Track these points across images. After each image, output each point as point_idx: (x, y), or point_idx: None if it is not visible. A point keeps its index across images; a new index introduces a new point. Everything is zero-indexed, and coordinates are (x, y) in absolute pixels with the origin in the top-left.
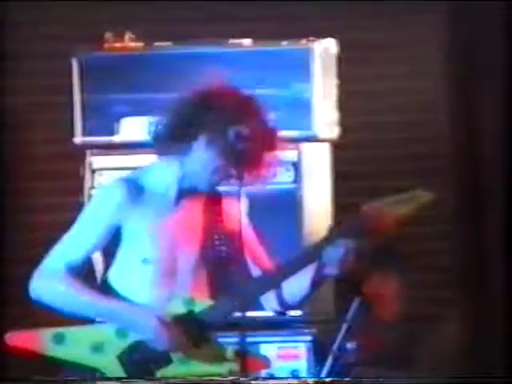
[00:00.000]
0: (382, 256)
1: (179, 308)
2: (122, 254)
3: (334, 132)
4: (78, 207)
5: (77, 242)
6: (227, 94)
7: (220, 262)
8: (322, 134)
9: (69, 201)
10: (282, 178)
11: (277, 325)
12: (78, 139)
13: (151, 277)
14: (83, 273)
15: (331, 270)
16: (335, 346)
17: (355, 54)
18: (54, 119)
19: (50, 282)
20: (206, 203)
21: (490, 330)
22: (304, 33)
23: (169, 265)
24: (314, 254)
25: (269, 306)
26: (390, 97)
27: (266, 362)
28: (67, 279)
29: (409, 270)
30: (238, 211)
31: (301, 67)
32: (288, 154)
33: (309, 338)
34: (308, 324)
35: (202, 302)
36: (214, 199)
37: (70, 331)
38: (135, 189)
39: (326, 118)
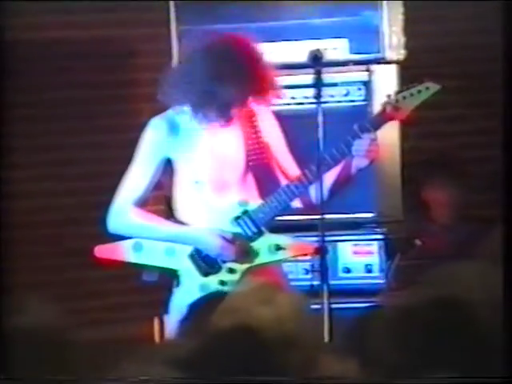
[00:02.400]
0: (441, 164)
1: (235, 210)
2: (178, 180)
3: (400, 54)
4: None
5: (136, 179)
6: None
7: (263, 170)
8: (389, 56)
9: None
10: (354, 96)
11: (352, 225)
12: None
13: (206, 193)
14: (148, 203)
15: (360, 162)
16: (403, 244)
17: None
18: (155, 49)
19: (121, 218)
20: (243, 121)
21: None
22: None
23: (218, 180)
24: (344, 149)
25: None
26: (451, 22)
27: (308, 247)
28: (135, 212)
29: (464, 176)
30: (270, 125)
31: None
32: (359, 75)
33: (380, 236)
34: (379, 224)
35: (254, 203)
36: (248, 117)
37: (146, 240)
38: (173, 123)
39: (392, 42)
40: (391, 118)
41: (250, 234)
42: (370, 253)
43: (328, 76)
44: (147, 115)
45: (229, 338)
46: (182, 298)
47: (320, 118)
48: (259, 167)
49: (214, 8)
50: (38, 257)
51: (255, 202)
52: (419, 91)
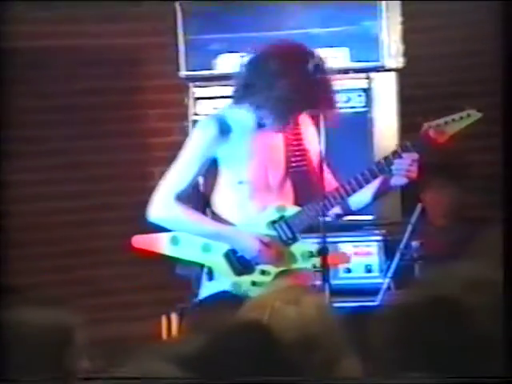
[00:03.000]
0: (439, 168)
1: (273, 215)
2: (221, 180)
3: (399, 62)
4: (183, 130)
5: (180, 173)
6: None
7: (301, 176)
8: (388, 64)
9: (175, 125)
10: (355, 103)
11: (352, 227)
12: (183, 73)
13: (247, 195)
14: (190, 198)
15: (399, 180)
16: (402, 245)
17: None
18: (163, 57)
19: (163, 209)
20: (288, 129)
21: None
22: None
23: (261, 182)
24: (384, 166)
25: (333, 213)
26: (449, 30)
27: (345, 256)
28: (176, 206)
29: (462, 179)
30: (313, 136)
31: (369, 7)
32: (360, 82)
33: (379, 237)
34: (379, 226)
35: (291, 209)
36: (294, 126)
37: (184, 234)
38: (224, 124)
39: (392, 51)
40: (433, 141)
41: (284, 238)
42: (369, 253)
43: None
44: (153, 121)
45: (242, 336)
46: (214, 295)
47: (322, 124)
48: (299, 174)
49: (219, 18)
50: (48, 257)
51: (292, 208)
52: (461, 117)
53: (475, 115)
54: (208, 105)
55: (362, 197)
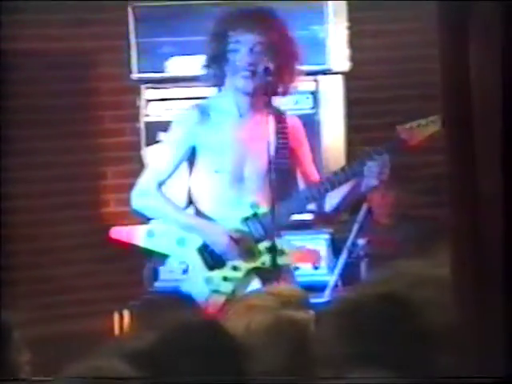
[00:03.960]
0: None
1: (247, 211)
2: (198, 168)
3: (345, 66)
4: (136, 131)
5: (163, 162)
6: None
7: (280, 172)
8: (335, 68)
9: (128, 126)
10: (302, 105)
11: (300, 225)
12: (135, 75)
13: (222, 184)
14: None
15: (371, 182)
16: (349, 242)
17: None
18: (115, 59)
19: (144, 198)
20: (269, 119)
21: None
22: None
23: (237, 173)
24: (357, 168)
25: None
26: (394, 35)
27: (315, 254)
28: (157, 194)
29: (407, 179)
30: (297, 128)
31: (317, 12)
32: (308, 85)
33: (327, 235)
34: (326, 224)
35: (264, 207)
36: (275, 116)
37: (160, 227)
38: (204, 112)
39: (338, 54)
40: (405, 143)
41: (257, 235)
42: (319, 262)
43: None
44: (106, 122)
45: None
46: (188, 289)
47: (270, 126)
48: (280, 169)
49: (170, 21)
50: (6, 255)
51: (265, 206)
52: (433, 121)
53: None
54: (159, 106)
55: (333, 199)
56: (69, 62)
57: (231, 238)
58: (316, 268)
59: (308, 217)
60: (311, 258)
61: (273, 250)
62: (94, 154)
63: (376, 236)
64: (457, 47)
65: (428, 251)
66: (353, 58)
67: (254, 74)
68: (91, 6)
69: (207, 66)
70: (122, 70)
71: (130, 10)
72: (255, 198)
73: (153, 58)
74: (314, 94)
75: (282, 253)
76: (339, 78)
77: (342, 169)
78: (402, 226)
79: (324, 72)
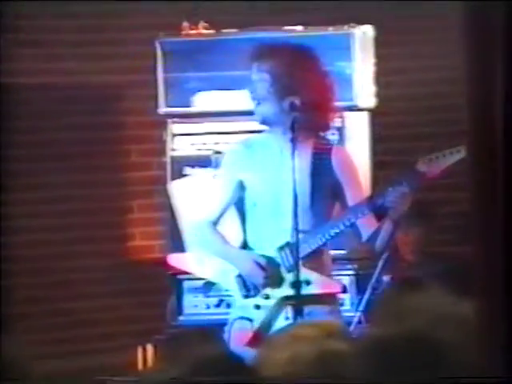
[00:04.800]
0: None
1: (280, 240)
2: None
3: (371, 102)
4: (162, 166)
5: (215, 200)
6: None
7: (322, 204)
8: (361, 104)
9: (155, 160)
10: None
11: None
12: (162, 110)
13: (260, 218)
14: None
15: (393, 213)
16: (373, 279)
17: (389, 37)
18: (143, 94)
19: (199, 236)
20: (308, 152)
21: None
22: (346, 20)
23: (275, 206)
24: (378, 198)
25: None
26: (419, 72)
27: (340, 285)
28: (211, 232)
29: (432, 218)
30: (342, 160)
31: (344, 48)
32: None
33: (352, 272)
34: (351, 260)
35: (298, 235)
36: (317, 148)
37: (208, 257)
38: (248, 147)
39: (364, 91)
40: (423, 176)
41: (287, 265)
42: (344, 294)
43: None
44: (133, 156)
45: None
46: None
47: (296, 161)
48: (320, 201)
49: (197, 56)
50: (28, 288)
51: (299, 235)
52: (451, 153)
53: (465, 151)
54: (186, 141)
55: (367, 232)
56: (97, 95)
57: (258, 264)
58: (341, 305)
59: (335, 252)
60: (336, 288)
61: (300, 279)
62: (120, 187)
63: (400, 273)
64: (483, 84)
65: (450, 288)
66: (379, 95)
67: (293, 109)
68: (120, 39)
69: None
70: (150, 104)
71: (157, 44)
72: (290, 228)
73: (180, 92)
74: (340, 130)
75: (309, 282)
76: (365, 115)
77: (366, 201)
78: (426, 263)
79: (350, 108)
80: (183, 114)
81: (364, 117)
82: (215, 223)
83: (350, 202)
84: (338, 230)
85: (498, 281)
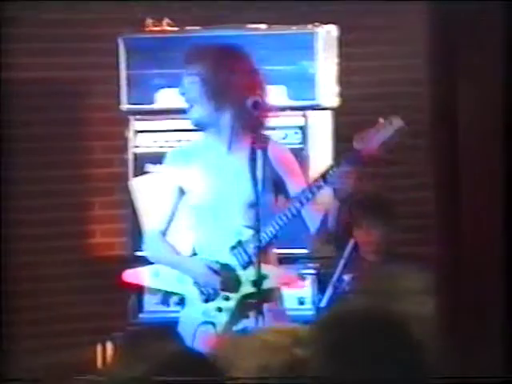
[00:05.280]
0: (370, 205)
1: (231, 240)
2: (182, 206)
3: (334, 101)
4: (124, 162)
5: (161, 210)
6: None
7: (265, 199)
8: (324, 103)
9: (116, 157)
10: (291, 140)
11: (288, 260)
12: (124, 107)
13: (205, 220)
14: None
15: (338, 194)
16: (334, 278)
17: (352, 36)
18: (105, 90)
19: (150, 248)
20: (248, 150)
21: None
22: (310, 19)
23: (219, 206)
24: (320, 182)
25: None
26: (382, 72)
27: (297, 279)
28: (161, 243)
29: (394, 217)
30: (283, 156)
31: (307, 48)
32: (296, 120)
33: (313, 271)
34: (312, 260)
35: (247, 232)
36: (259, 147)
37: (163, 267)
38: (185, 153)
39: (327, 90)
40: (360, 152)
41: (242, 263)
42: (303, 286)
43: (269, 120)
44: (95, 153)
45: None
46: (187, 323)
47: (260, 160)
48: (264, 196)
49: (160, 54)
50: None
51: (247, 232)
52: (384, 126)
53: (398, 123)
54: (148, 138)
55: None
56: (59, 91)
57: (211, 269)
58: (301, 303)
59: (294, 251)
60: (295, 281)
61: (257, 275)
62: (82, 184)
63: (361, 272)
64: (444, 84)
65: (410, 289)
66: (341, 94)
67: (240, 109)
68: (83, 35)
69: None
70: (112, 100)
71: (120, 40)
72: (239, 226)
73: (142, 89)
74: (303, 128)
75: (266, 277)
76: (328, 114)
77: (308, 186)
78: (386, 263)
79: (313, 107)
80: (146, 110)
81: (327, 116)
82: (164, 233)
83: (293, 192)
84: (285, 220)
85: (461, 279)
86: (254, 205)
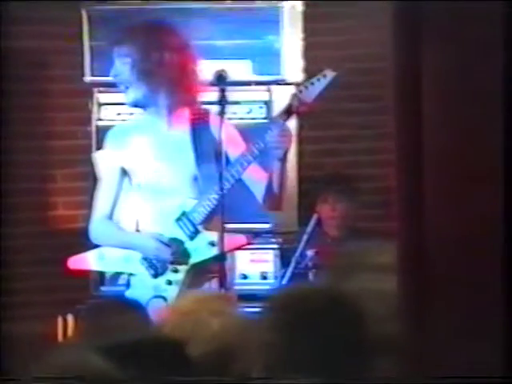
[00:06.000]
0: (334, 181)
1: (175, 212)
2: (124, 185)
3: (299, 77)
4: (87, 135)
5: (103, 194)
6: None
7: (207, 172)
8: (289, 79)
9: (79, 129)
10: (255, 115)
11: (250, 234)
12: (88, 78)
13: (148, 197)
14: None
15: (277, 152)
16: (297, 253)
17: (317, 11)
18: (68, 61)
19: (98, 232)
20: (188, 120)
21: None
22: None
23: (161, 183)
24: (258, 143)
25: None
26: (347, 47)
27: (243, 239)
28: (108, 225)
29: (356, 193)
30: (224, 130)
31: (272, 22)
32: (261, 95)
33: (276, 246)
34: (275, 234)
35: (190, 202)
36: (202, 121)
37: (108, 249)
38: (122, 133)
39: (292, 65)
40: (297, 109)
41: (188, 234)
42: (265, 261)
43: (231, 94)
44: (57, 125)
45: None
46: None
47: (223, 134)
48: (206, 166)
49: (125, 25)
50: None
51: (191, 202)
52: (318, 79)
53: (331, 74)
54: (112, 110)
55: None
56: (21, 60)
57: (161, 242)
58: (264, 278)
59: (256, 226)
60: (242, 241)
61: (204, 243)
62: (44, 155)
63: (324, 247)
64: (409, 59)
65: (373, 264)
66: (306, 69)
67: (176, 86)
68: (45, 4)
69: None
70: (75, 72)
71: (83, 11)
72: (183, 199)
73: (106, 61)
74: (268, 103)
75: (213, 244)
76: (292, 89)
77: (247, 149)
78: (349, 239)
79: (278, 82)
80: (109, 83)
81: (291, 91)
82: (110, 216)
83: (234, 159)
84: (228, 186)
85: (421, 258)
86: (198, 176)
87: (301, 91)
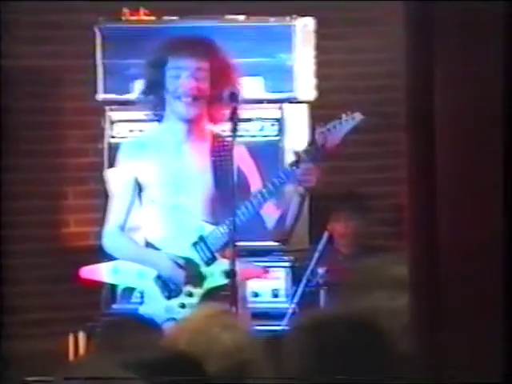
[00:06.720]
0: (346, 199)
1: (192, 236)
2: (142, 200)
3: (311, 94)
4: (99, 152)
5: (117, 205)
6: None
7: (224, 195)
8: (301, 96)
9: (91, 147)
10: (268, 132)
11: (261, 252)
12: (100, 96)
13: (164, 213)
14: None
15: (299, 189)
16: (308, 271)
17: (329, 29)
18: (81, 79)
19: (110, 242)
20: (208, 146)
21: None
22: (288, 12)
23: (178, 201)
24: (283, 178)
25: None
26: (360, 65)
27: (259, 271)
28: (121, 236)
29: (368, 210)
30: (240, 152)
31: (285, 40)
32: (273, 112)
33: (287, 263)
34: (287, 252)
35: (208, 228)
36: (217, 141)
37: (123, 263)
38: (139, 145)
39: (304, 83)
40: (323, 147)
41: (205, 259)
42: (277, 278)
43: (244, 112)
44: (70, 142)
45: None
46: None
47: (235, 151)
48: (224, 193)
49: (136, 43)
50: None
51: (209, 227)
52: (346, 121)
53: (359, 117)
54: (124, 127)
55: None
56: (34, 79)
57: (176, 263)
58: (275, 296)
59: (268, 244)
60: (258, 274)
61: (220, 271)
62: (56, 173)
63: (335, 265)
64: (420, 76)
65: (383, 282)
66: (318, 87)
67: (194, 99)
68: (59, 23)
69: (145, 93)
70: (88, 90)
71: (96, 29)
72: (200, 222)
73: (119, 79)
74: (280, 121)
75: (229, 272)
76: (304, 107)
77: (271, 181)
78: (361, 256)
79: (290, 100)
80: (121, 100)
81: (303, 109)
82: (123, 228)
83: (253, 188)
84: (246, 216)
85: (432, 277)
86: (214, 201)
87: (327, 130)
